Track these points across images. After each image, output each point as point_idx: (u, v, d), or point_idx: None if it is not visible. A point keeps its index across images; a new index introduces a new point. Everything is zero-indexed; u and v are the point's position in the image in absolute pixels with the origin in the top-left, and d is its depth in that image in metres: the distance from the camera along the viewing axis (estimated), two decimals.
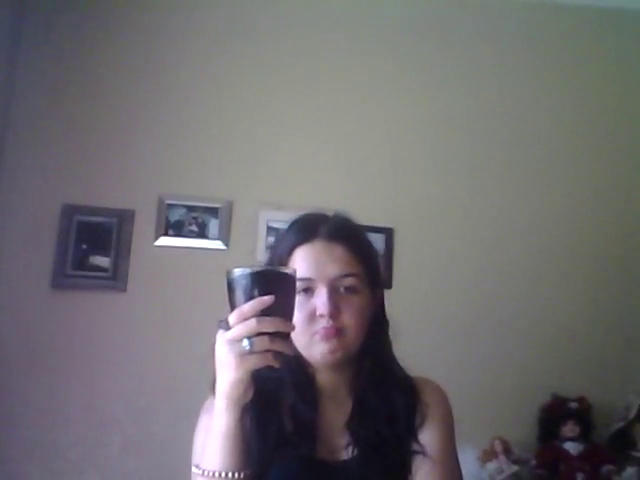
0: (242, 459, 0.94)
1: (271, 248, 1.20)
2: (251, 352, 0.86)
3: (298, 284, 1.01)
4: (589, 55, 2.82)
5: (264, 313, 0.86)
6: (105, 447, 2.32)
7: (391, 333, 1.15)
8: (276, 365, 0.88)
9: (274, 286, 0.88)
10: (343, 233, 1.10)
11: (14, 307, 2.40)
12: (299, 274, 1.02)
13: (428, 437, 1.08)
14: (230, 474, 0.93)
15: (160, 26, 2.68)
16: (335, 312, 1.03)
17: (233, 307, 0.89)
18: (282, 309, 0.88)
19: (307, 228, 1.10)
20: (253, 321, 0.85)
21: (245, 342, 0.86)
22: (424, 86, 2.74)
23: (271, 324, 0.86)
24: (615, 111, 2.79)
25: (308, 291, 1.05)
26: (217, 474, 0.93)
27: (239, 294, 0.88)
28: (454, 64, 2.76)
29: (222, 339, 0.90)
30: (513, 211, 2.66)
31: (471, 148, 2.70)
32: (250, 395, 0.92)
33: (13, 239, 2.45)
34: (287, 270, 0.93)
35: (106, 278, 2.44)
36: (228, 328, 0.88)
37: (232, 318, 0.87)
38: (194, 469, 0.97)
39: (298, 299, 1.01)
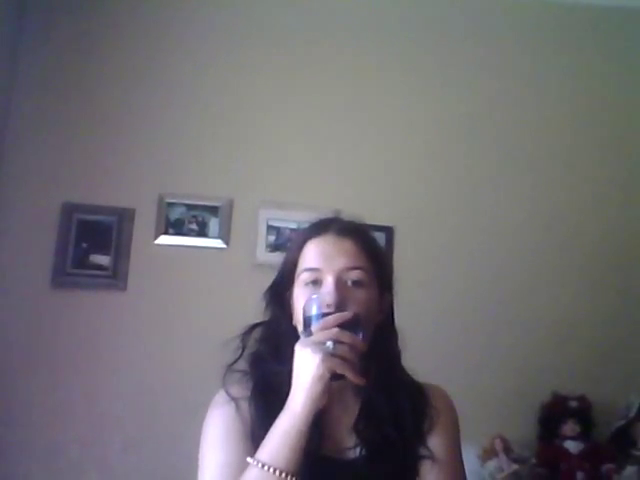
0: (300, 462, 0.95)
1: (286, 248, 1.25)
2: (333, 354, 0.93)
3: (307, 275, 1.09)
4: (587, 54, 2.81)
5: None
6: (106, 446, 2.32)
7: (400, 343, 1.16)
8: (351, 376, 0.95)
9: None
10: (353, 229, 1.14)
11: (14, 306, 2.40)
12: (308, 265, 1.09)
13: (436, 442, 1.09)
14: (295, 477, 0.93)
15: (161, 25, 2.68)
16: (341, 302, 1.04)
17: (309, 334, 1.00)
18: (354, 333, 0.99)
19: (319, 224, 1.15)
20: (336, 329, 0.95)
21: (329, 343, 0.94)
22: (423, 87, 2.74)
23: (349, 337, 0.95)
24: (614, 111, 2.78)
25: (316, 283, 1.08)
26: (288, 476, 0.93)
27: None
28: (453, 64, 2.75)
29: (305, 342, 0.97)
30: (513, 210, 2.65)
31: (470, 148, 2.70)
32: (325, 400, 0.95)
33: (13, 238, 2.44)
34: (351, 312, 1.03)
35: (106, 277, 2.44)
36: (310, 335, 0.98)
37: (316, 326, 0.97)
38: (251, 461, 0.94)
39: (306, 291, 1.07)
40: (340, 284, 1.06)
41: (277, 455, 0.93)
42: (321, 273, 1.08)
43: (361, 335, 0.99)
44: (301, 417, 0.94)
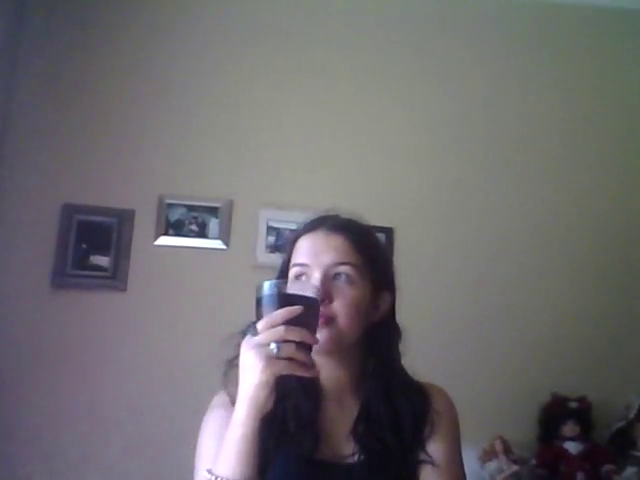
0: (256, 467, 0.93)
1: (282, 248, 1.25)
2: (277, 357, 0.89)
3: (295, 270, 1.08)
4: (586, 55, 2.81)
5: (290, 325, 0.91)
6: (105, 447, 2.32)
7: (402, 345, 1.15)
8: (299, 374, 0.91)
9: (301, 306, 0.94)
10: (345, 225, 1.13)
11: (14, 307, 2.39)
12: (297, 261, 1.09)
13: (437, 446, 1.08)
14: None
15: (161, 26, 2.68)
16: (326, 298, 1.04)
17: (260, 319, 0.93)
18: (307, 325, 0.93)
19: (312, 222, 1.14)
20: (281, 328, 0.89)
21: (273, 345, 0.89)
22: (423, 88, 2.74)
23: (298, 333, 0.90)
24: (613, 111, 2.78)
25: (303, 277, 1.08)
26: None
27: (268, 310, 0.93)
28: (453, 65, 2.75)
29: (249, 343, 0.92)
30: (513, 211, 2.65)
31: (471, 148, 2.70)
32: (271, 404, 0.92)
33: (13, 239, 2.44)
34: (313, 295, 0.96)
35: (106, 278, 2.44)
36: (256, 334, 0.92)
37: (261, 325, 0.91)
38: (205, 474, 0.94)
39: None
40: (327, 280, 1.05)
41: (231, 466, 0.92)
42: (309, 268, 1.07)
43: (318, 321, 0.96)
44: (247, 425, 0.92)
